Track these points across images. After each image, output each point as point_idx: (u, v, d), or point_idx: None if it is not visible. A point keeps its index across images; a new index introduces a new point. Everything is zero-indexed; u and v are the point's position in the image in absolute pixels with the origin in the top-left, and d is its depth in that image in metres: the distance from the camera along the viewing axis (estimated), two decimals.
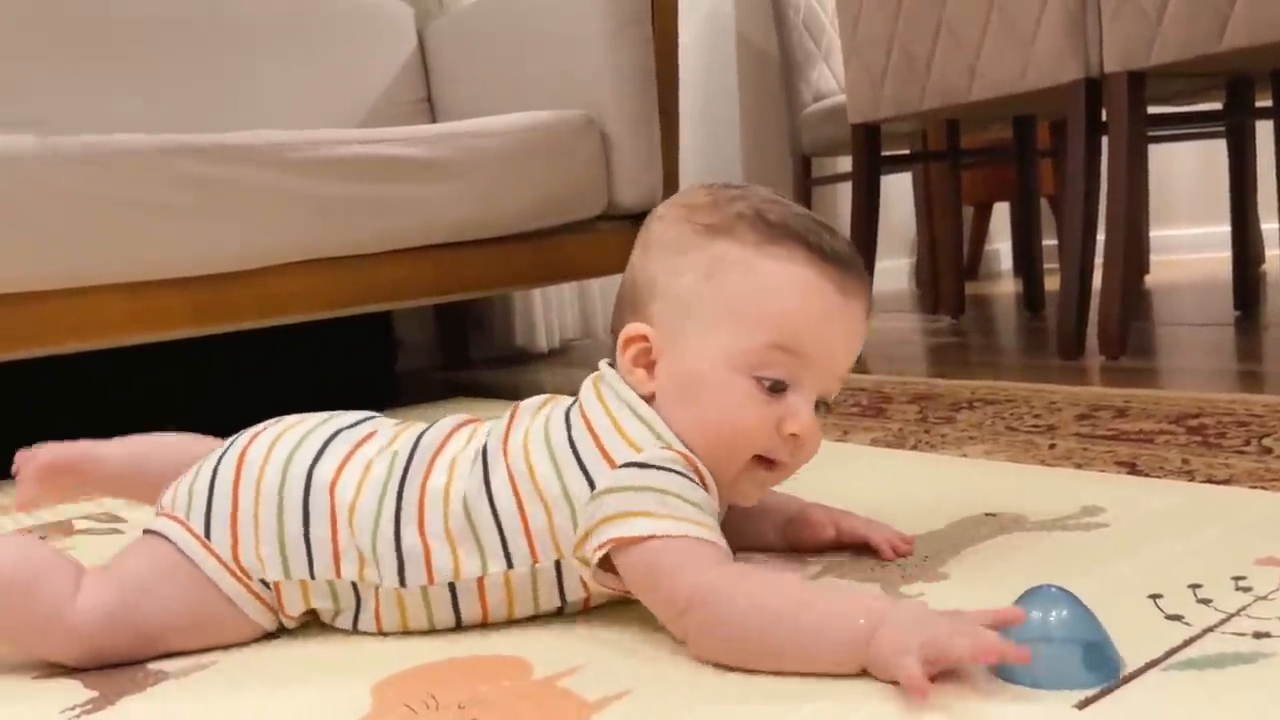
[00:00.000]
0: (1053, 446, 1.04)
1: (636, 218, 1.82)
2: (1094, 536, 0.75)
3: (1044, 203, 2.74)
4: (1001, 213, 3.47)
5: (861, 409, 1.35)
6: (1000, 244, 3.58)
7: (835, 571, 0.73)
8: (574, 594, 0.67)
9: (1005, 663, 0.51)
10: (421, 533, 0.66)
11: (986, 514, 0.83)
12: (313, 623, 0.71)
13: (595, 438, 0.66)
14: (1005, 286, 3.06)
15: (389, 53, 2.13)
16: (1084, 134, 1.57)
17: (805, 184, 2.83)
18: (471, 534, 0.66)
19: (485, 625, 0.68)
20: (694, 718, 0.53)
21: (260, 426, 0.73)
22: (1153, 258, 2.81)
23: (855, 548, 0.77)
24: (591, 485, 0.64)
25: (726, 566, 0.61)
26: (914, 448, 1.11)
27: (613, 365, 0.70)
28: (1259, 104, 1.90)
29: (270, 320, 1.53)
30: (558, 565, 0.65)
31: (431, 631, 0.68)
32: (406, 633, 0.68)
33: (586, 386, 0.70)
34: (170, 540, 0.68)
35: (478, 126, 1.65)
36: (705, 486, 0.64)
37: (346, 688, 0.61)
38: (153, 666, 0.66)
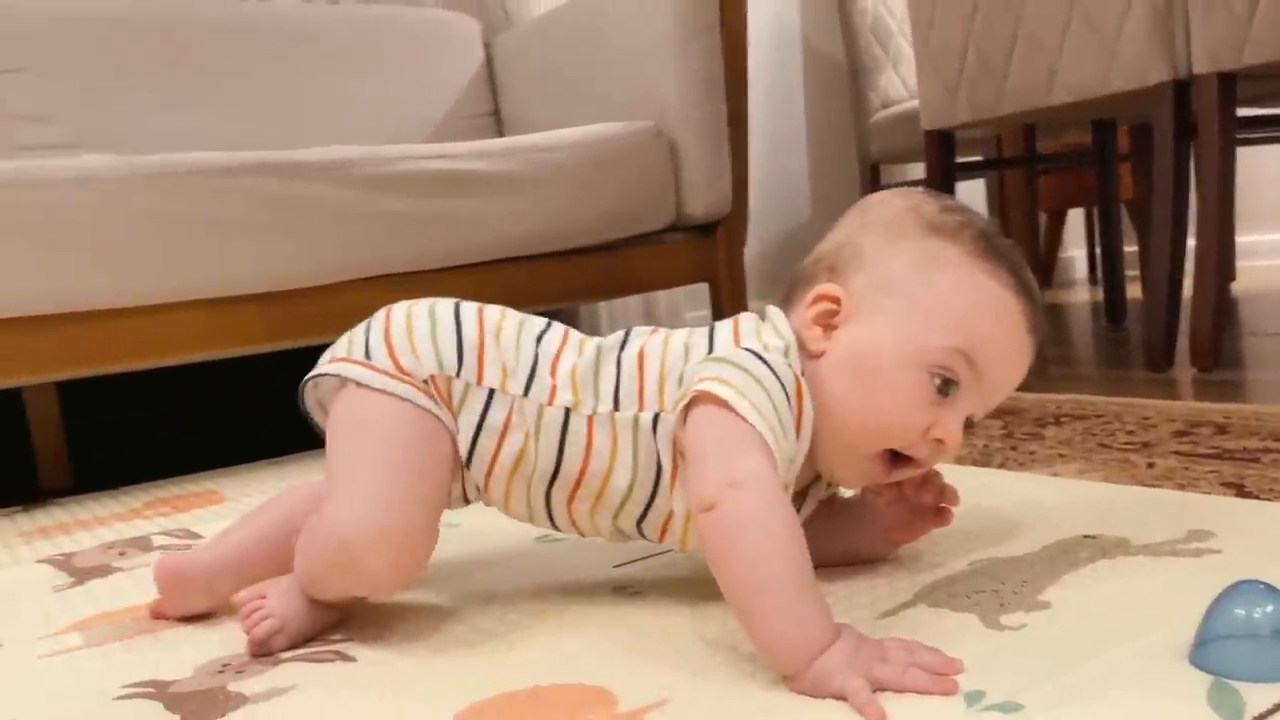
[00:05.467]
0: (1151, 465, 0.99)
1: (705, 228, 1.80)
2: (1206, 563, 0.71)
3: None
4: (1073, 220, 3.38)
5: None
6: (1074, 252, 3.49)
7: (928, 600, 0.70)
8: (671, 463, 0.68)
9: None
10: (552, 374, 0.71)
11: (1085, 536, 0.79)
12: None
13: (735, 329, 0.70)
14: (1081, 295, 2.97)
15: (457, 67, 2.14)
16: (1173, 137, 1.51)
17: (873, 192, 2.79)
18: (593, 379, 0.70)
19: (573, 520, 0.73)
20: None
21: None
22: (1238, 264, 2.71)
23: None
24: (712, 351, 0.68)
25: (782, 490, 0.62)
26: (1001, 466, 1.06)
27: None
28: None
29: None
30: (655, 420, 0.67)
31: (528, 520, 0.74)
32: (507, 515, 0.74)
33: (745, 317, 0.72)
34: (344, 378, 0.72)
35: (545, 140, 1.64)
36: (798, 425, 0.64)
37: (428, 716, 0.59)
38: (232, 688, 0.66)
